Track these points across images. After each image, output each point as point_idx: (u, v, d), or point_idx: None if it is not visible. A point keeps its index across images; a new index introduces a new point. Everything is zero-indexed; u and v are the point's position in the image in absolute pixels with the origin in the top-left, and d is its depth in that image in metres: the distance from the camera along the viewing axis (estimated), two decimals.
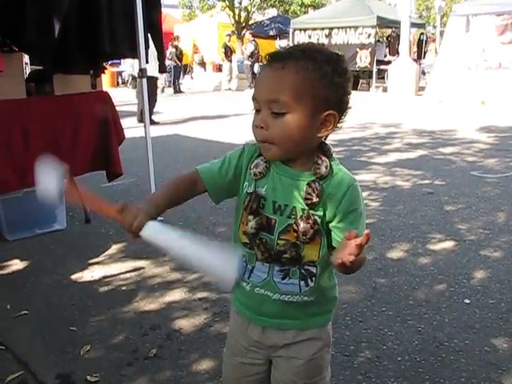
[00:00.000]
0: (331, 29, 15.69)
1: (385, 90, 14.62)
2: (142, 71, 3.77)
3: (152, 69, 5.51)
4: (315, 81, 1.04)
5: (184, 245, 1.07)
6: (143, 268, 2.97)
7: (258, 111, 1.09)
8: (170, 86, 16.36)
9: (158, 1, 3.96)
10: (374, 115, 9.71)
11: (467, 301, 2.57)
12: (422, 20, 24.07)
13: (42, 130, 3.27)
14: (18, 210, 3.39)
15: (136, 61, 3.96)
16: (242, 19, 21.94)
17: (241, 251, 1.13)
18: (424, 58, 16.93)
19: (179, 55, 16.31)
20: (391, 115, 10.02)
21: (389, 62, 15.22)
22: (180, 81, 16.79)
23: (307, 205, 1.09)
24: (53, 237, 3.51)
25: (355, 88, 14.26)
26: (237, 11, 21.88)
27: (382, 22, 15.60)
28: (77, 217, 3.89)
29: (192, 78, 19.38)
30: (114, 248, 3.28)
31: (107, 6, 3.34)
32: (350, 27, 15.31)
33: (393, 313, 2.46)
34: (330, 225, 1.11)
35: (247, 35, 18.58)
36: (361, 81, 15.43)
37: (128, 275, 2.90)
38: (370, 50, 15.02)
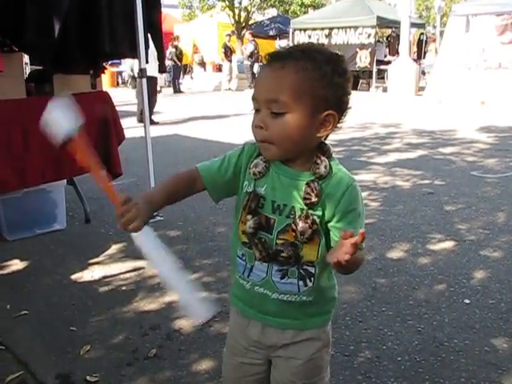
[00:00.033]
0: (331, 29, 15.70)
1: (385, 90, 14.62)
2: (142, 71, 3.77)
3: (152, 69, 5.51)
4: (314, 81, 1.04)
5: (165, 264, 1.08)
6: (143, 268, 2.97)
7: (257, 111, 1.09)
8: (169, 86, 16.38)
9: (157, 1, 3.96)
10: (373, 115, 9.72)
11: (467, 301, 2.57)
12: (421, 20, 24.09)
13: (42, 130, 3.27)
14: (17, 210, 3.39)
15: (135, 62, 3.96)
16: (241, 19, 21.95)
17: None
18: (424, 58, 16.93)
19: (179, 55, 16.32)
20: (391, 115, 10.02)
21: (389, 62, 15.23)
22: (180, 81, 16.80)
23: (306, 204, 1.09)
24: (53, 237, 3.51)
25: (355, 88, 14.26)
26: (237, 11, 21.89)
27: (382, 22, 15.62)
28: (77, 217, 3.90)
29: (192, 78, 19.39)
30: (114, 248, 3.28)
31: (107, 6, 3.34)
32: (349, 27, 15.32)
33: (393, 313, 2.46)
34: (329, 224, 1.11)
35: (247, 35, 18.59)
36: (361, 81, 15.43)
37: (128, 275, 2.90)
38: (369, 50, 15.03)
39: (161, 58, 4.33)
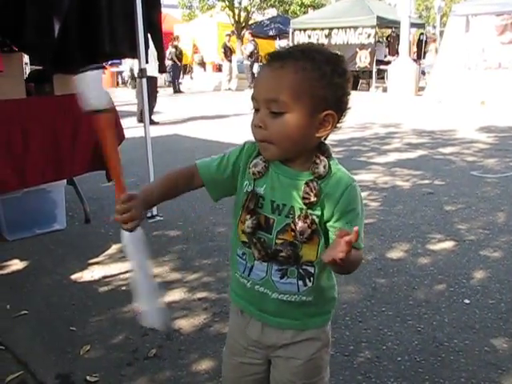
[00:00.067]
0: (331, 29, 15.70)
1: (384, 90, 14.62)
2: (142, 71, 3.77)
3: (152, 69, 5.51)
4: (314, 81, 1.04)
5: (141, 269, 1.13)
6: None
7: (257, 111, 1.09)
8: (169, 86, 16.37)
9: (157, 1, 3.96)
10: (373, 115, 9.72)
11: (467, 301, 2.57)
12: (421, 20, 24.10)
13: (42, 130, 3.27)
14: (17, 210, 3.39)
15: (135, 62, 3.96)
16: (241, 19, 21.96)
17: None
18: (424, 58, 16.93)
19: (179, 55, 16.31)
20: (391, 115, 10.02)
21: (388, 62, 15.23)
22: (180, 81, 16.80)
23: (305, 204, 1.09)
24: (53, 237, 3.51)
25: (355, 88, 14.27)
26: (236, 11, 21.90)
27: (382, 22, 15.62)
28: (76, 217, 3.90)
29: (192, 78, 19.39)
30: (114, 248, 3.28)
31: (107, 6, 3.35)
32: (349, 27, 15.32)
33: (392, 313, 2.46)
34: (328, 224, 1.11)
35: (247, 35, 18.58)
36: (360, 81, 15.43)
37: (128, 275, 2.89)
38: (369, 50, 15.03)
39: (161, 57, 4.34)
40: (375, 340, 2.23)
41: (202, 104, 12.80)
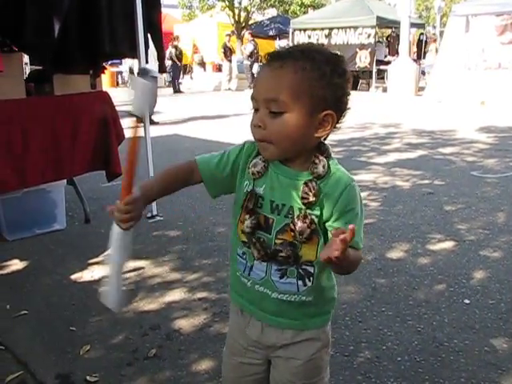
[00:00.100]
0: (331, 29, 15.70)
1: (384, 90, 14.62)
2: None
3: None
4: (313, 81, 1.04)
5: (118, 258, 1.23)
6: (143, 268, 2.97)
7: (256, 110, 1.09)
8: (169, 86, 16.37)
9: (157, 1, 3.96)
10: (373, 115, 9.72)
11: (467, 301, 2.57)
12: (421, 20, 24.10)
13: (42, 130, 3.27)
14: (17, 210, 3.39)
15: (135, 63, 3.96)
16: (241, 19, 21.96)
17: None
18: (424, 58, 16.93)
19: (179, 55, 16.30)
20: (391, 115, 10.02)
21: (388, 62, 15.23)
22: (180, 81, 16.80)
23: (304, 204, 1.09)
24: (52, 237, 3.51)
25: (355, 88, 14.28)
26: (236, 11, 21.89)
27: (382, 22, 15.62)
28: (76, 217, 3.90)
29: (192, 78, 19.39)
30: None
31: (107, 6, 3.34)
32: (349, 27, 15.32)
33: (392, 313, 2.46)
34: (327, 224, 1.11)
35: (246, 35, 18.59)
36: (360, 81, 15.44)
37: (128, 275, 2.89)
38: (369, 50, 15.03)
39: (160, 57, 4.33)
40: (375, 340, 2.23)
41: (201, 104, 12.80)
